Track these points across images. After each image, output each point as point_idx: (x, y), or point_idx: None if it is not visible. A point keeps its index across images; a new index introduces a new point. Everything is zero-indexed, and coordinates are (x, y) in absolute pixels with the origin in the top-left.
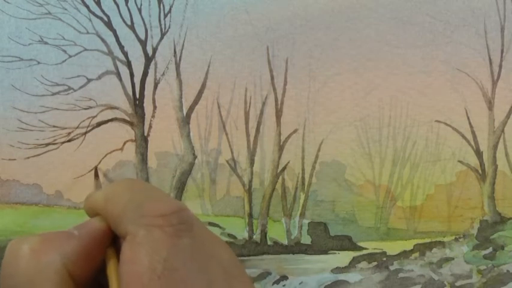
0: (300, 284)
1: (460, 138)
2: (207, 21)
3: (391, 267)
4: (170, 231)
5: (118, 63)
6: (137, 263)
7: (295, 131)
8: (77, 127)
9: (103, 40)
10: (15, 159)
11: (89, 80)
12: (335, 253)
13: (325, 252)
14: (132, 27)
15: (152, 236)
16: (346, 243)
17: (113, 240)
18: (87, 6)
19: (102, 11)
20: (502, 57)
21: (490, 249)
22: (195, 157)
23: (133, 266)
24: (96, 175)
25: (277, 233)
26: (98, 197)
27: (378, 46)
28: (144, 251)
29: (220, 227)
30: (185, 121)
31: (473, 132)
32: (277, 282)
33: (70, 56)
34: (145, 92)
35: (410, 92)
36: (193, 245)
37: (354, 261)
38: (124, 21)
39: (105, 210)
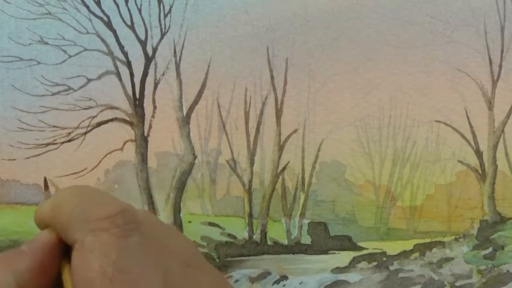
0: (300, 284)
1: (460, 138)
2: (207, 21)
3: (391, 267)
4: (117, 232)
5: (118, 63)
6: (87, 269)
7: (295, 131)
8: (77, 127)
9: (103, 40)
10: (15, 159)
11: (89, 80)
12: (335, 253)
13: (325, 252)
14: (132, 27)
15: (99, 240)
16: (346, 243)
17: (65, 250)
18: (87, 6)
19: (102, 11)
20: (502, 57)
21: (490, 249)
22: (195, 157)
23: (84, 272)
24: (46, 186)
25: (277, 233)
26: (45, 208)
27: (378, 46)
28: (93, 256)
29: (220, 227)
30: (185, 121)
31: (473, 132)
32: (277, 282)
33: (70, 56)
34: (145, 92)
35: (410, 92)
36: (143, 242)
37: (354, 261)
38: (124, 21)
39: (52, 220)
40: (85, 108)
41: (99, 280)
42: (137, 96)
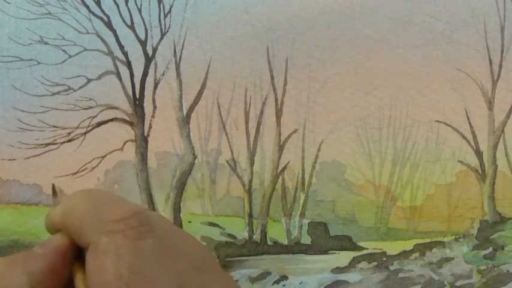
0: (300, 284)
1: (460, 138)
2: (207, 21)
3: (391, 267)
4: (132, 234)
5: (118, 63)
6: (103, 272)
7: (295, 131)
8: (77, 127)
9: (103, 40)
10: (15, 159)
11: (89, 80)
12: (335, 253)
13: (325, 252)
14: (132, 27)
15: (114, 242)
16: (346, 243)
17: (77, 254)
18: (87, 6)
19: (102, 11)
20: (502, 57)
21: (490, 249)
22: (195, 157)
23: (99, 275)
24: (54, 192)
25: (277, 233)
26: (56, 213)
27: (378, 46)
28: (108, 259)
29: (220, 227)
30: (185, 121)
31: (473, 132)
32: (277, 282)
33: (70, 56)
34: (145, 92)
35: (410, 92)
36: (157, 244)
37: (354, 261)
38: (124, 21)
39: (64, 224)
40: (85, 108)
41: (115, 283)
42: (137, 96)
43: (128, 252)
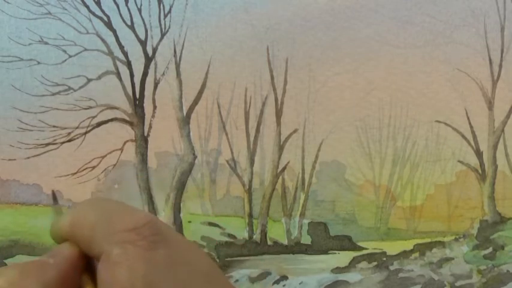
0: (300, 284)
1: (460, 138)
2: (207, 21)
3: (391, 267)
4: (144, 244)
5: (118, 63)
6: (115, 283)
7: (295, 131)
8: (77, 127)
9: (103, 40)
10: (15, 159)
11: (89, 80)
12: (335, 253)
13: (325, 252)
14: (132, 27)
15: (127, 252)
16: (346, 243)
17: (87, 264)
18: (87, 6)
19: (102, 11)
20: (502, 57)
21: (490, 249)
22: (195, 157)
23: (111, 286)
24: (55, 199)
25: (277, 233)
26: (64, 223)
27: (378, 46)
28: (121, 270)
29: (220, 227)
30: (185, 121)
31: (473, 132)
32: (277, 282)
33: (70, 56)
34: (145, 92)
35: (410, 92)
36: (169, 255)
37: (354, 261)
38: (124, 21)
39: (73, 234)
40: (85, 108)
41: None
42: (137, 96)
43: (140, 263)
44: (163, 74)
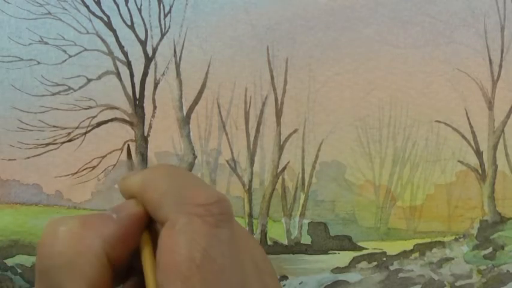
0: (300, 284)
1: (460, 138)
2: (207, 21)
3: (391, 267)
4: (211, 221)
5: (118, 63)
6: (176, 252)
7: (295, 131)
8: (77, 127)
9: (103, 40)
10: (15, 159)
11: (89, 80)
12: (335, 253)
13: (325, 252)
14: (132, 27)
15: (192, 224)
16: (346, 243)
17: (148, 225)
18: (87, 6)
19: (102, 11)
20: (502, 57)
21: (490, 249)
22: (195, 157)
23: (171, 254)
24: (129, 155)
25: (277, 233)
26: (135, 181)
27: (378, 46)
28: (183, 239)
29: None
30: (185, 121)
31: (473, 132)
32: None
33: (70, 56)
34: (145, 92)
35: (410, 92)
36: (231, 236)
37: (354, 261)
38: (124, 21)
39: (142, 194)
40: (85, 108)
41: (186, 264)
42: (137, 96)
43: (204, 237)
44: (163, 74)
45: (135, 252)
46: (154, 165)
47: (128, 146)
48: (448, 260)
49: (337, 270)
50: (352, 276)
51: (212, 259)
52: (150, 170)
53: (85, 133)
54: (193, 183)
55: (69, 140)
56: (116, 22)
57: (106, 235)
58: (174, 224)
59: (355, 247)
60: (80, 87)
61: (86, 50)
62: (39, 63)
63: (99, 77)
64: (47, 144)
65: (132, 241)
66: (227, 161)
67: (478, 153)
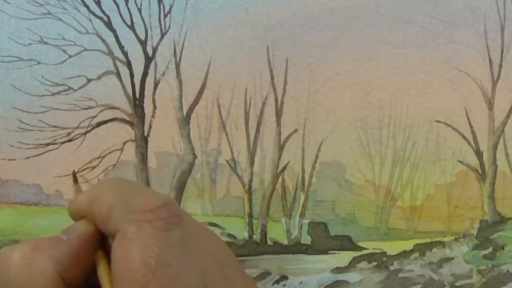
0: (300, 284)
1: (460, 138)
2: (207, 21)
3: (391, 267)
4: (160, 225)
5: (118, 63)
6: (130, 260)
7: (295, 131)
8: (77, 127)
9: (103, 40)
10: (15, 159)
11: (89, 80)
12: (335, 253)
13: (325, 252)
14: (132, 27)
15: (143, 231)
16: (346, 243)
17: (101, 242)
18: (87, 6)
19: (102, 11)
20: (502, 57)
21: (490, 249)
22: (195, 157)
23: (126, 263)
24: (75, 180)
25: (277, 233)
26: (82, 200)
27: (378, 46)
28: (136, 248)
29: (220, 227)
30: (185, 121)
31: (473, 132)
32: (277, 282)
33: (70, 56)
34: (146, 92)
35: (410, 92)
36: (183, 237)
37: (354, 261)
38: (124, 21)
39: (90, 211)
40: (85, 108)
41: (141, 272)
42: (137, 96)
43: (155, 242)
44: (163, 74)
45: (92, 270)
46: (98, 181)
47: (74, 172)
48: (448, 260)
49: (337, 270)
50: (352, 276)
51: (166, 263)
52: (94, 186)
53: (85, 133)
54: (139, 192)
55: (69, 140)
56: (116, 22)
57: (57, 257)
58: (125, 233)
59: (355, 247)
60: (80, 87)
61: (86, 50)
62: (39, 63)
63: (99, 77)
64: (47, 144)
65: (86, 260)
66: (227, 161)
67: (478, 153)
